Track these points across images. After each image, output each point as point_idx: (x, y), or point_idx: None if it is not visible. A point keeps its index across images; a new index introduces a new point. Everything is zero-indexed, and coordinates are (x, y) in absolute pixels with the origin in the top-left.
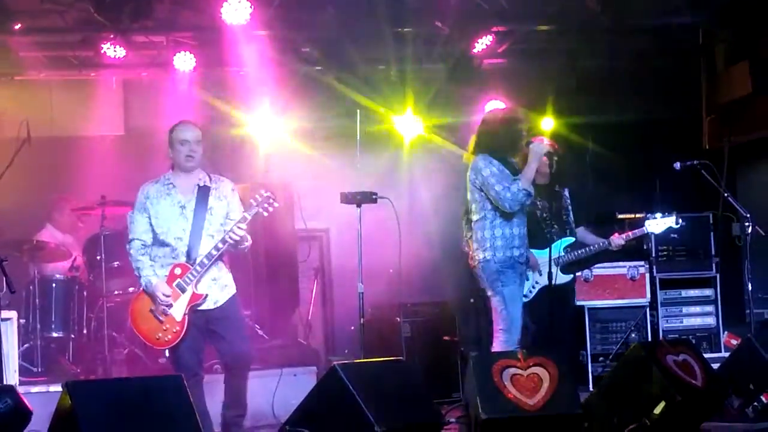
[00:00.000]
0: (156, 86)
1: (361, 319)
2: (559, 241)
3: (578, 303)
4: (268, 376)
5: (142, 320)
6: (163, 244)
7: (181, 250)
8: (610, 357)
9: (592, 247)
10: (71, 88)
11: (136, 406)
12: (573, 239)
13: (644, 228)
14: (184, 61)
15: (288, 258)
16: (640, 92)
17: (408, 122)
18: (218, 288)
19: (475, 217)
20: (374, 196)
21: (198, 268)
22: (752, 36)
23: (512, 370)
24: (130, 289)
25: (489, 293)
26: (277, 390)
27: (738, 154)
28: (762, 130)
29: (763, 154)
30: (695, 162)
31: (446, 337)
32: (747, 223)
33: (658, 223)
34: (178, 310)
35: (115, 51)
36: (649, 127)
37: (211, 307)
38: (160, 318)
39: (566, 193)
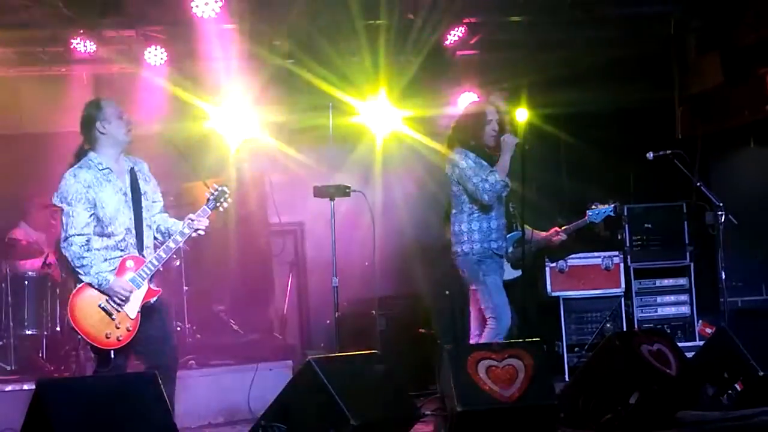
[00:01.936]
0: (127, 81)
1: (336, 313)
2: (509, 235)
3: (553, 294)
4: (244, 371)
5: (87, 317)
6: (108, 235)
7: (130, 242)
8: (586, 347)
9: (533, 244)
10: (41, 83)
11: (111, 404)
12: (520, 233)
13: (586, 218)
14: (155, 56)
15: (262, 252)
16: (612, 82)
17: (381, 115)
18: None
19: (453, 211)
20: (347, 190)
21: (155, 261)
22: (723, 25)
23: (488, 362)
24: None
25: (473, 286)
26: (253, 384)
27: (711, 144)
28: (734, 119)
29: (736, 143)
30: (668, 152)
31: (422, 330)
32: (720, 212)
33: (598, 212)
34: (132, 306)
35: (85, 46)
36: (621, 117)
37: (152, 302)
38: (112, 316)
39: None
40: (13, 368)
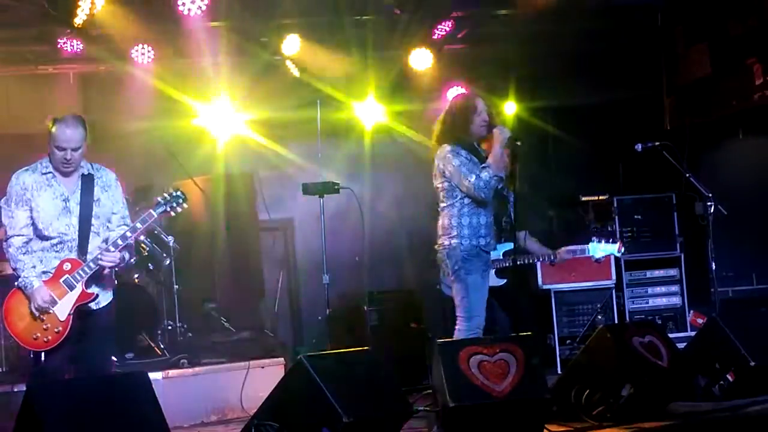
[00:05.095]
0: (114, 79)
1: (327, 310)
2: (500, 245)
3: (544, 286)
4: (236, 369)
5: (18, 318)
6: (46, 237)
7: (68, 246)
8: (578, 339)
9: (533, 257)
10: (28, 83)
11: (102, 405)
12: (511, 245)
13: (586, 248)
14: (142, 54)
15: (252, 249)
16: (600, 75)
17: (369, 110)
18: (101, 288)
19: (442, 204)
20: (336, 187)
21: (91, 264)
22: (711, 17)
23: (479, 357)
24: None
25: (451, 279)
26: (245, 383)
27: (699, 134)
28: (722, 109)
29: (724, 133)
30: (656, 143)
31: (413, 325)
32: (709, 203)
33: (601, 248)
34: (63, 308)
35: (71, 45)
36: (610, 109)
37: (93, 307)
38: (42, 317)
39: (511, 198)
40: (4, 370)
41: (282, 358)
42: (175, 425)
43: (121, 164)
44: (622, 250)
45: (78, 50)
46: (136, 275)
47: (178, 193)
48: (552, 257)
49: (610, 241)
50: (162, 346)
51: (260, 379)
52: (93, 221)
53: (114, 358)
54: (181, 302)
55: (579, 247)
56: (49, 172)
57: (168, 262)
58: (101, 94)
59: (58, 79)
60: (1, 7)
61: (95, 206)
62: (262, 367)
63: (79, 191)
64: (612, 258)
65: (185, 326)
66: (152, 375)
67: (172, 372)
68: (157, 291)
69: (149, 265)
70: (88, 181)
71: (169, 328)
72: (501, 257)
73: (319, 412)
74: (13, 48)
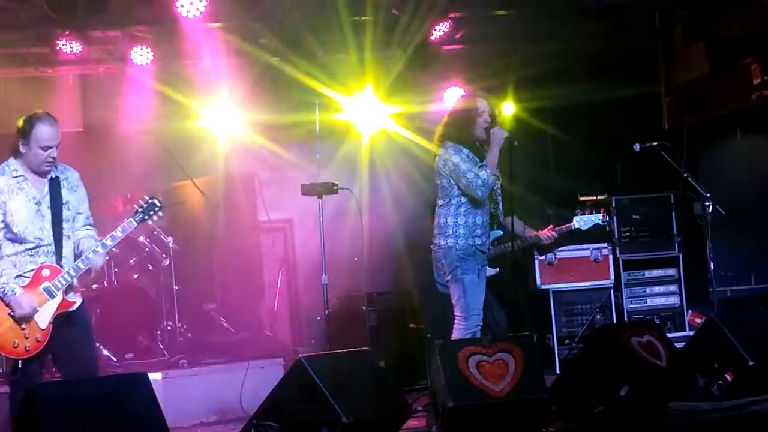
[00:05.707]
0: (114, 81)
1: (326, 311)
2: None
3: (543, 286)
4: (235, 370)
5: None
6: (21, 241)
7: (43, 250)
8: (576, 339)
9: (521, 241)
10: (28, 85)
11: (101, 405)
12: (501, 232)
13: (571, 224)
14: (141, 56)
15: (252, 250)
16: (598, 75)
17: (367, 111)
18: (72, 291)
19: (439, 203)
20: (335, 187)
21: (72, 272)
22: (708, 16)
23: (478, 357)
24: (93, 286)
25: (448, 279)
26: (245, 383)
27: (697, 134)
28: (720, 109)
29: (722, 133)
30: (654, 143)
31: (412, 325)
32: (707, 203)
33: (585, 220)
34: (44, 317)
35: (71, 47)
36: (608, 109)
37: (69, 310)
38: (22, 325)
39: (498, 185)
40: (4, 370)
41: (281, 359)
42: (175, 425)
43: (120, 166)
44: (607, 218)
45: (77, 52)
46: (135, 275)
47: (154, 201)
48: (536, 239)
49: (593, 212)
50: (161, 346)
51: (259, 380)
52: (64, 224)
53: (114, 359)
54: (180, 302)
55: (564, 225)
56: (20, 176)
57: (167, 262)
58: (101, 96)
59: (58, 81)
60: (0, 9)
61: (65, 209)
62: (262, 368)
63: (49, 195)
64: (610, 258)
65: (185, 326)
66: (152, 375)
67: (171, 372)
68: (157, 291)
69: (149, 265)
70: (55, 185)
71: (169, 328)
72: (491, 246)
73: (318, 413)
74: (12, 50)
